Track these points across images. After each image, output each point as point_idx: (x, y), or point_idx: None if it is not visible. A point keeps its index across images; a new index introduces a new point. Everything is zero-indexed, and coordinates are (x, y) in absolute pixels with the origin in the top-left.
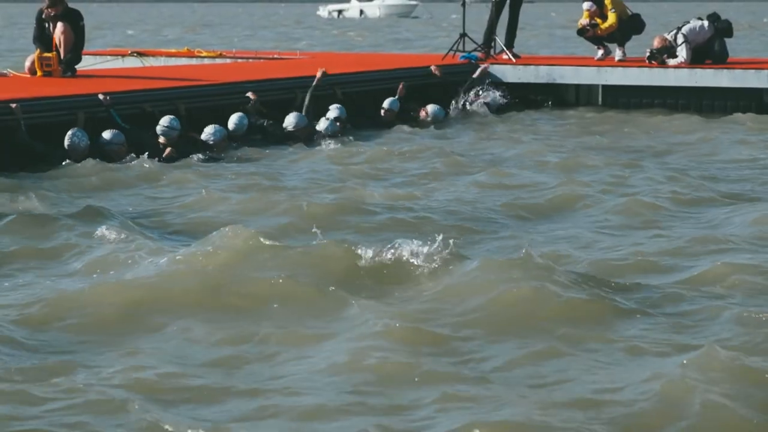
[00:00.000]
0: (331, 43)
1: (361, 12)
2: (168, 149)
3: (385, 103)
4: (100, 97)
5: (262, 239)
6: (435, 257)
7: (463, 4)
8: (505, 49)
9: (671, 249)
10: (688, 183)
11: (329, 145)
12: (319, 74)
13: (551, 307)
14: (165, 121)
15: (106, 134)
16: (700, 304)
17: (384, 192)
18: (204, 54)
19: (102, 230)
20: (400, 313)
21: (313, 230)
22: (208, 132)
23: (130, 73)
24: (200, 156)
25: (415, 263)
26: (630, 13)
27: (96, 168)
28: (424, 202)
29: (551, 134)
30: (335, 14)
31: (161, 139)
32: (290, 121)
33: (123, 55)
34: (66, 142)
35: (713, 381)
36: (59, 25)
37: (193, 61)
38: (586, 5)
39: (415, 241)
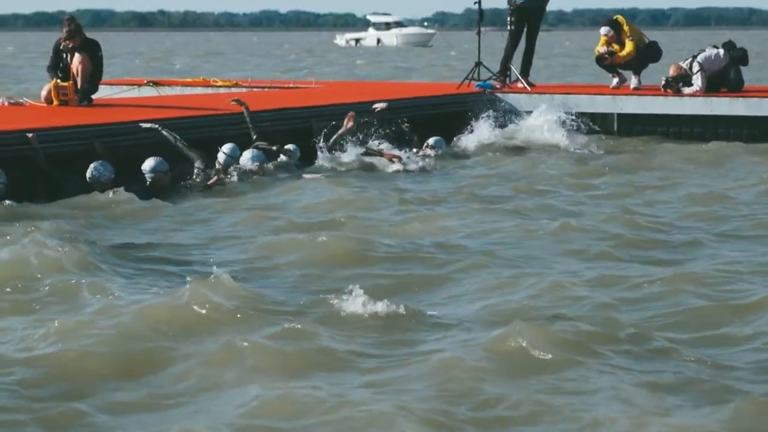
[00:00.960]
0: (338, 72)
1: (378, 41)
2: (215, 177)
3: (430, 141)
4: (145, 125)
5: (245, 288)
6: (429, 301)
7: (479, 33)
8: (520, 77)
9: (674, 285)
10: (697, 215)
11: (367, 179)
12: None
13: (548, 348)
14: (228, 149)
15: (149, 162)
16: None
17: (397, 229)
18: (220, 83)
19: (91, 266)
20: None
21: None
22: (246, 157)
23: (147, 103)
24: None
25: (411, 309)
26: (647, 41)
27: (115, 199)
28: (426, 238)
29: (561, 164)
30: (353, 43)
31: (218, 165)
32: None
33: (139, 85)
34: (87, 175)
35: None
36: (77, 55)
37: (209, 91)
38: (603, 30)
39: (418, 287)
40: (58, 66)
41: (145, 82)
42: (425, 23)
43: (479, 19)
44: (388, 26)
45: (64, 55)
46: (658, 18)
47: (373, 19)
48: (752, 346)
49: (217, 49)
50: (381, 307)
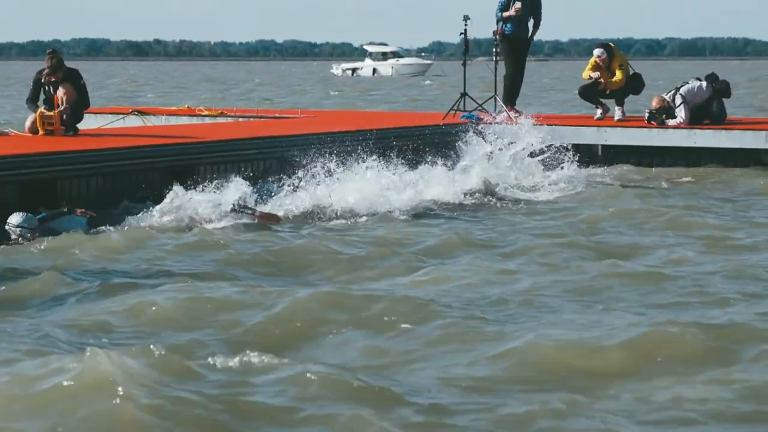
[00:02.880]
0: (323, 101)
1: (375, 71)
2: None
3: None
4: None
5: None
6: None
7: (464, 64)
8: (505, 108)
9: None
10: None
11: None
12: None
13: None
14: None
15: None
16: None
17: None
18: (205, 112)
19: None
20: None
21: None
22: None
23: (132, 132)
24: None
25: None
26: (631, 72)
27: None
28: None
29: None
30: (349, 72)
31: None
32: None
33: (124, 114)
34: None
35: None
36: (61, 86)
37: (195, 120)
38: (597, 52)
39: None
40: (38, 98)
41: (130, 111)
42: (422, 53)
43: (465, 49)
44: (384, 56)
45: (47, 87)
46: (654, 48)
47: (370, 49)
48: None
49: (204, 78)
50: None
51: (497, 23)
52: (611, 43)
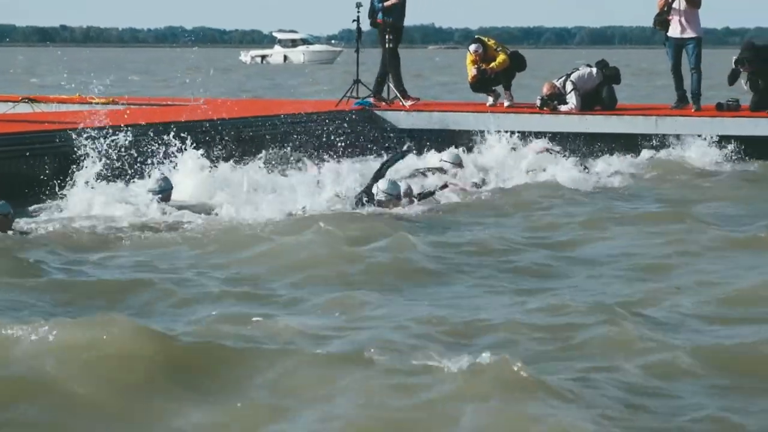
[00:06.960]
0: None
1: (285, 57)
2: None
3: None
4: None
5: None
6: None
7: (357, 51)
8: (398, 95)
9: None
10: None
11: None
12: None
13: None
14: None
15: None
16: None
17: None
18: (96, 100)
19: None
20: None
21: None
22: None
23: (22, 119)
24: None
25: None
26: (508, 52)
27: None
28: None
29: None
30: (258, 59)
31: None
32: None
33: (14, 102)
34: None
35: None
36: None
37: (86, 107)
38: (473, 47)
39: None
40: None
41: (21, 98)
42: (332, 41)
43: (358, 37)
44: (294, 43)
45: None
46: (563, 36)
47: (279, 36)
48: None
49: (107, 66)
50: None
51: (375, 13)
52: (480, 36)
